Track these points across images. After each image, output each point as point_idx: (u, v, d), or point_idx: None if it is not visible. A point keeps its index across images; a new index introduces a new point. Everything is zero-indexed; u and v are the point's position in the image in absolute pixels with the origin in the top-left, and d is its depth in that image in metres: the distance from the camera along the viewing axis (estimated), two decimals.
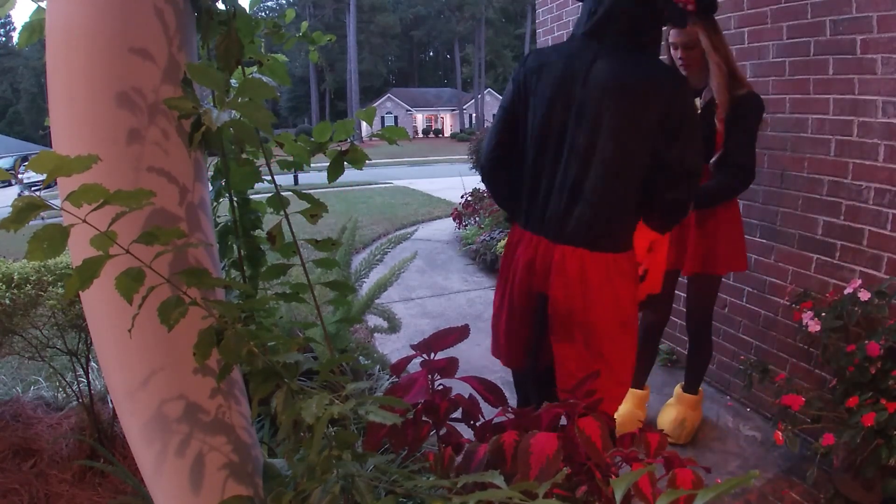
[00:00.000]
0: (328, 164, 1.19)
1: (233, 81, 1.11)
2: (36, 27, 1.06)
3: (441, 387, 1.16)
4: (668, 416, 2.32)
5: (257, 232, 1.24)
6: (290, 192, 1.16)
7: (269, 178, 1.18)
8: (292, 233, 1.16)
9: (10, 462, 2.00)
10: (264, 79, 1.14)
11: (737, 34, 2.43)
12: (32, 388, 2.53)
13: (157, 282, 0.82)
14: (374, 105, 1.23)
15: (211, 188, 1.17)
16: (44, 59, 0.91)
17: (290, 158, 1.20)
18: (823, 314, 1.91)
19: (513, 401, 1.81)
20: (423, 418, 1.13)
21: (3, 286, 1.85)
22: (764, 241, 2.42)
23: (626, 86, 1.41)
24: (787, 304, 2.27)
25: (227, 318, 0.87)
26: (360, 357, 2.64)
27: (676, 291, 2.52)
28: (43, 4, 1.00)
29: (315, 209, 1.16)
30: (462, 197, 6.51)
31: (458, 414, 1.17)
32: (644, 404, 2.47)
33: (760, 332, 2.48)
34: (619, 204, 1.52)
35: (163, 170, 0.93)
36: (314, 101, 42.81)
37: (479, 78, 43.14)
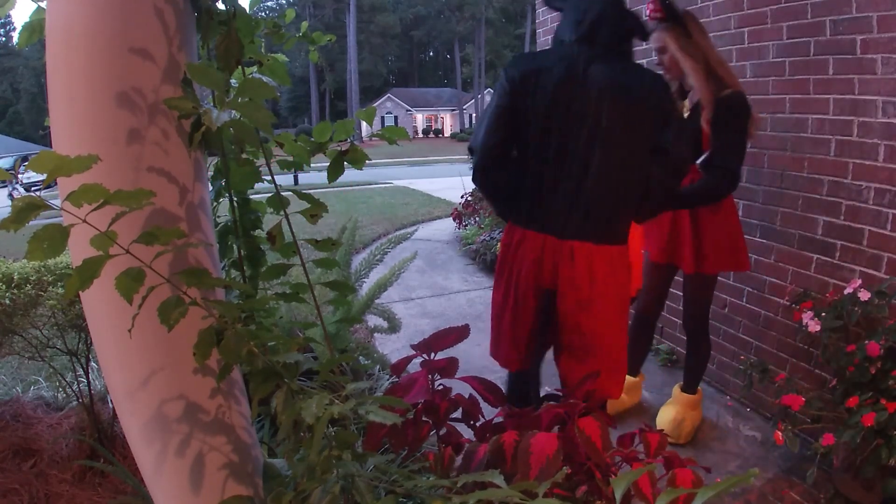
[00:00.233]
0: (328, 164, 1.19)
1: (233, 81, 1.11)
2: (36, 27, 1.06)
3: (441, 387, 1.17)
4: (668, 416, 2.32)
5: (257, 232, 1.24)
6: (290, 192, 1.16)
7: (269, 178, 1.18)
8: (292, 233, 1.16)
9: (10, 462, 2.00)
10: (264, 79, 1.14)
11: (737, 34, 2.43)
12: (32, 388, 2.53)
13: (157, 282, 0.82)
14: (374, 105, 1.23)
15: (211, 188, 1.17)
16: (44, 59, 0.91)
17: (290, 158, 1.20)
18: (823, 314, 1.92)
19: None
20: (423, 418, 1.13)
21: (3, 286, 1.85)
22: (764, 241, 2.42)
23: (621, 87, 1.51)
24: (787, 304, 2.27)
25: (227, 318, 0.87)
26: (360, 357, 2.64)
27: (675, 291, 2.52)
28: (43, 4, 1.00)
29: (315, 209, 1.16)
30: (462, 197, 6.50)
31: (458, 414, 1.17)
32: (636, 391, 2.58)
33: (760, 332, 2.48)
34: (621, 199, 1.61)
35: (163, 170, 0.93)
36: (314, 101, 42.81)
37: (479, 78, 43.12)
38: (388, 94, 43.54)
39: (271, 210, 1.19)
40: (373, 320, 2.98)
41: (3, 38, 43.84)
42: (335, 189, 11.02)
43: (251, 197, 1.24)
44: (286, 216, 1.14)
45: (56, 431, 2.11)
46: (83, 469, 1.97)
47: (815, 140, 2.16)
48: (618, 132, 1.53)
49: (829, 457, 1.78)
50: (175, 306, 0.82)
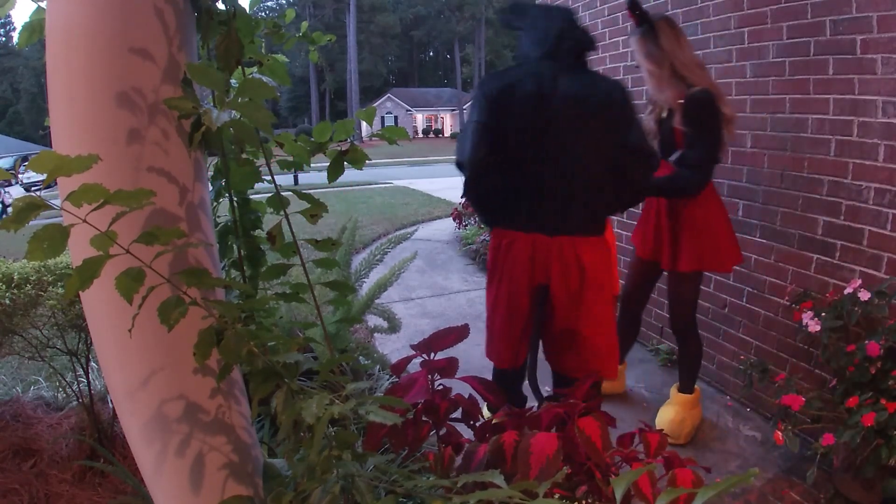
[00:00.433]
0: (328, 164, 1.19)
1: (233, 81, 1.11)
2: (36, 27, 1.06)
3: (441, 387, 1.17)
4: (667, 417, 2.32)
5: (257, 232, 1.24)
6: (290, 192, 1.16)
7: (269, 178, 1.18)
8: (292, 233, 1.16)
9: (10, 462, 2.00)
10: (264, 79, 1.14)
11: (737, 34, 2.43)
12: (32, 388, 2.53)
13: (157, 282, 0.82)
14: (374, 105, 1.24)
15: (211, 188, 1.17)
16: (44, 59, 0.91)
17: (290, 158, 1.20)
18: (823, 314, 1.92)
19: None
20: (423, 418, 1.13)
21: (3, 286, 1.85)
22: (764, 241, 2.42)
23: (587, 96, 1.68)
24: (787, 304, 2.27)
25: (227, 318, 0.87)
26: (360, 357, 2.64)
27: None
28: (43, 4, 1.00)
29: (315, 209, 1.16)
30: (462, 197, 6.50)
31: (458, 414, 1.17)
32: (620, 378, 2.68)
33: (760, 332, 2.48)
34: (599, 194, 1.78)
35: (163, 170, 0.93)
36: (314, 101, 42.80)
37: (479, 78, 43.08)
38: (388, 94, 43.51)
39: (271, 210, 1.19)
40: (373, 320, 2.98)
41: (3, 38, 43.84)
42: (335, 189, 11.02)
43: (251, 197, 1.24)
44: (286, 216, 1.14)
45: (56, 431, 2.11)
46: (83, 469, 1.97)
47: (815, 140, 2.16)
48: (587, 136, 1.70)
49: (829, 457, 1.78)
50: (175, 306, 0.82)
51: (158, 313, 0.81)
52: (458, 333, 1.20)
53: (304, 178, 8.79)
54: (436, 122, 45.35)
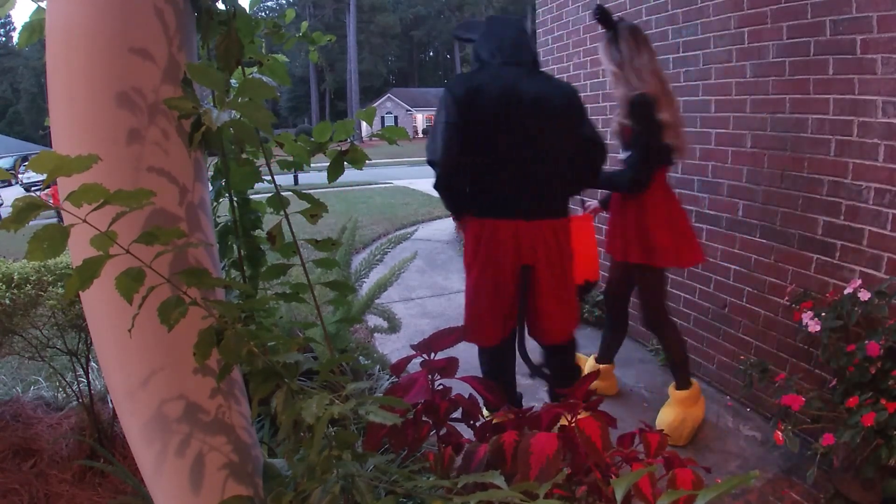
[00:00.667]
0: (328, 164, 1.19)
1: (233, 81, 1.11)
2: (36, 27, 1.06)
3: (441, 387, 1.17)
4: (667, 417, 2.31)
5: (257, 232, 1.24)
6: (290, 192, 1.16)
7: (269, 178, 1.18)
8: (292, 233, 1.16)
9: (10, 462, 2.00)
10: (264, 79, 1.14)
11: (737, 34, 2.43)
12: (32, 388, 2.53)
13: (157, 282, 0.82)
14: (374, 105, 1.24)
15: (211, 188, 1.17)
16: (44, 59, 0.91)
17: (290, 158, 1.21)
18: (823, 314, 1.91)
19: None
20: (423, 418, 1.13)
21: (3, 286, 1.85)
22: (764, 241, 2.42)
23: (546, 96, 1.90)
24: (787, 304, 2.27)
25: (227, 318, 0.87)
26: (360, 357, 2.64)
27: (674, 291, 2.52)
28: (43, 4, 1.00)
29: (315, 209, 1.16)
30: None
31: (458, 414, 1.17)
32: (610, 378, 2.72)
33: (760, 332, 2.48)
34: (563, 181, 2.03)
35: (163, 170, 0.93)
36: (314, 101, 42.79)
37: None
38: (388, 94, 43.48)
39: (271, 210, 1.19)
40: (373, 320, 2.98)
41: (3, 38, 43.84)
42: (335, 189, 11.02)
43: (251, 197, 1.24)
44: (286, 216, 1.14)
45: (56, 431, 2.11)
46: (83, 469, 1.97)
47: (815, 140, 2.16)
48: (548, 131, 1.92)
49: (829, 457, 1.78)
50: (175, 306, 0.82)
51: (158, 313, 0.81)
52: (458, 333, 1.20)
53: (304, 178, 8.79)
54: None
